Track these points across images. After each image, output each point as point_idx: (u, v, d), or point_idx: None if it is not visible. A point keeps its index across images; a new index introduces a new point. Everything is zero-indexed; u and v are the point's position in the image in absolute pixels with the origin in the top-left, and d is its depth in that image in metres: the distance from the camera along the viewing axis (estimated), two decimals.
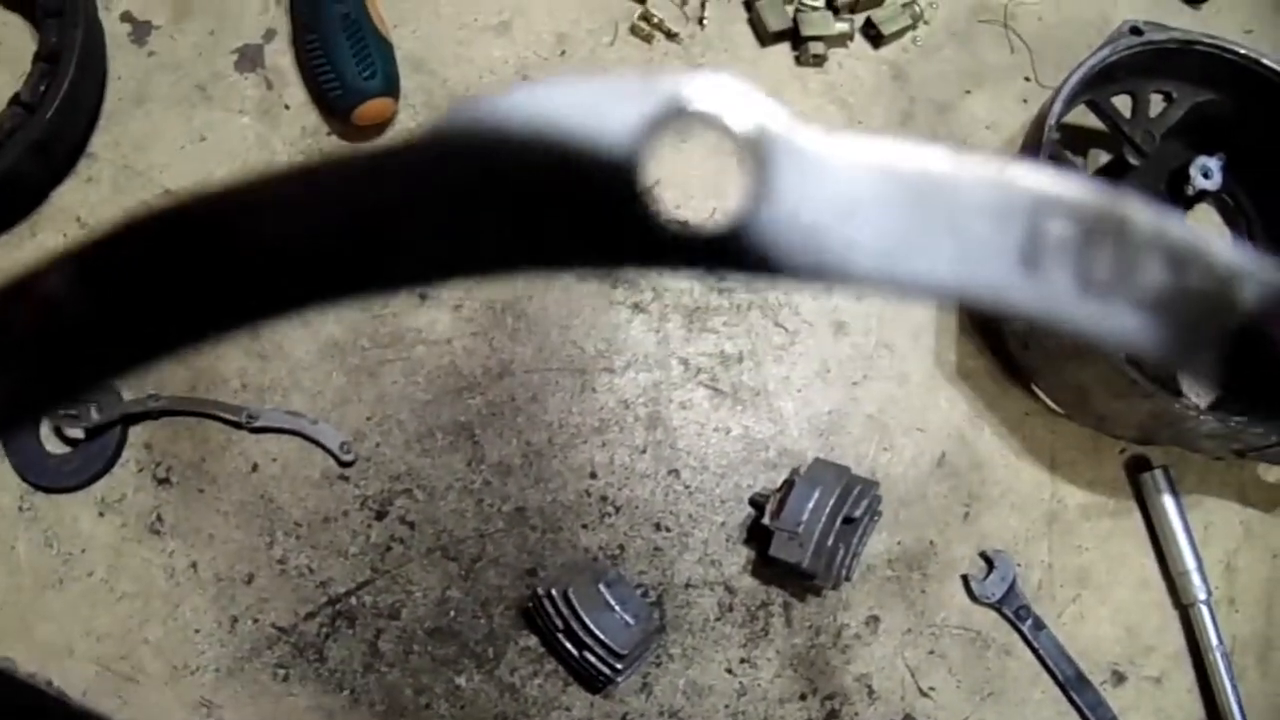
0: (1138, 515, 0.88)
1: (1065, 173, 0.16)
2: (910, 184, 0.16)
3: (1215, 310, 0.15)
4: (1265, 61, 0.87)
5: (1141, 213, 0.16)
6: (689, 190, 0.86)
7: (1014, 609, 0.84)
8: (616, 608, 0.76)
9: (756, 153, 0.16)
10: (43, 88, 0.81)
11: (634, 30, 0.91)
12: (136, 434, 0.83)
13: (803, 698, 0.81)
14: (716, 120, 0.16)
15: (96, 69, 0.88)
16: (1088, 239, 0.15)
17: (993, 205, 0.15)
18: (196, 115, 0.88)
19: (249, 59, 0.90)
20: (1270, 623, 0.89)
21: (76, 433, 0.81)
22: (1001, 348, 0.88)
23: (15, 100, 0.80)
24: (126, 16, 0.91)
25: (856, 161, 0.16)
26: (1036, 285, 0.16)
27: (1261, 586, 0.89)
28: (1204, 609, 0.86)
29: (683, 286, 0.86)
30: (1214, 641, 0.85)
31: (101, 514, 0.81)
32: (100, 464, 0.82)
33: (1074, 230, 0.15)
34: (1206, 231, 0.17)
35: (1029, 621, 0.84)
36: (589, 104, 0.17)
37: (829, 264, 0.16)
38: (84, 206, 0.86)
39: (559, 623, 0.76)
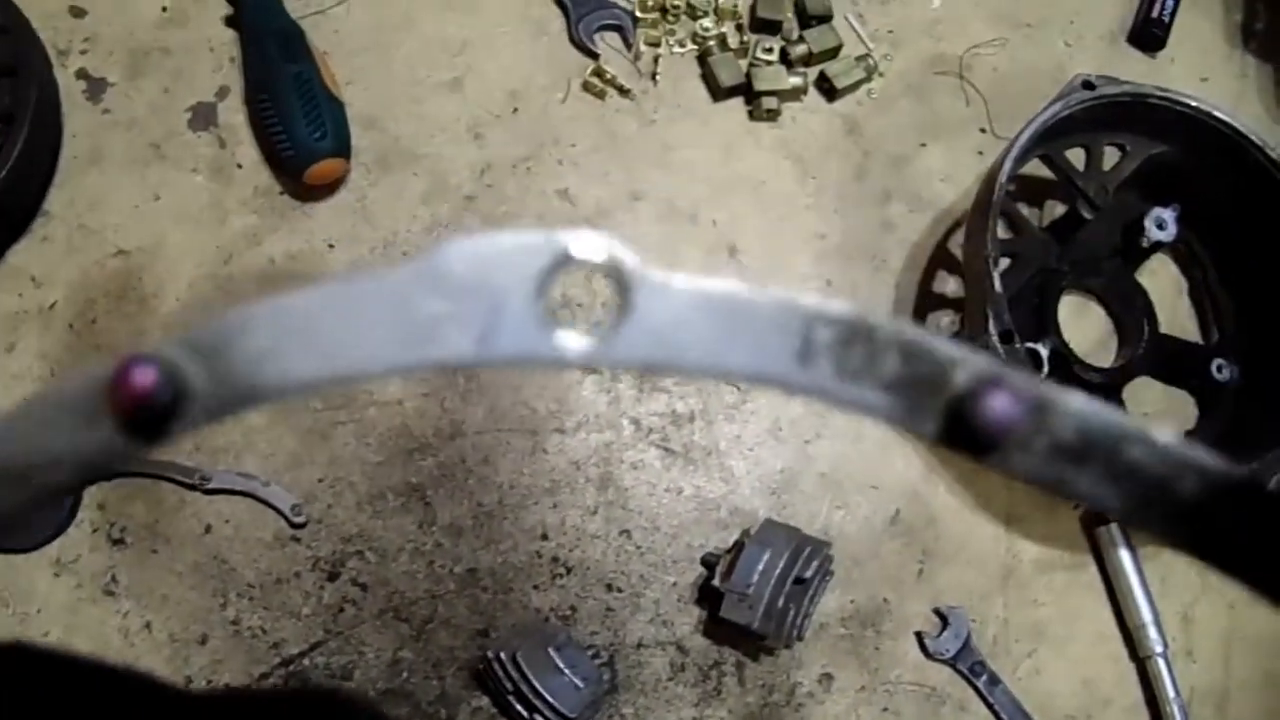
0: (1094, 569, 0.88)
1: (843, 306, 0.22)
2: (723, 304, 0.21)
3: (934, 387, 0.20)
4: (1217, 114, 0.87)
5: (884, 320, 0.21)
6: (641, 250, 0.86)
7: (969, 665, 0.84)
8: (566, 671, 0.76)
9: (620, 283, 0.21)
10: None
11: (586, 86, 0.92)
12: (91, 495, 0.83)
13: None
14: (593, 264, 0.21)
15: (52, 127, 0.88)
16: (844, 341, 0.21)
17: (779, 319, 0.21)
18: (151, 174, 0.88)
19: (203, 117, 0.90)
20: (1228, 674, 0.89)
21: None
22: None
23: None
24: (82, 74, 0.91)
25: (687, 289, 0.21)
26: (809, 374, 0.21)
27: (1219, 637, 0.89)
28: (1161, 661, 0.86)
29: None
30: (1171, 693, 0.85)
31: (57, 574, 0.81)
32: (55, 525, 0.82)
33: (834, 335, 0.21)
34: (930, 331, 0.22)
35: (984, 677, 0.84)
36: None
37: (668, 361, 0.21)
38: (39, 266, 0.86)
39: (509, 686, 0.76)
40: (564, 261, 0.20)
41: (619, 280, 0.20)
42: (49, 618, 0.81)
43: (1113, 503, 0.20)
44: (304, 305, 0.21)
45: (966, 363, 0.20)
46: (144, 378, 0.20)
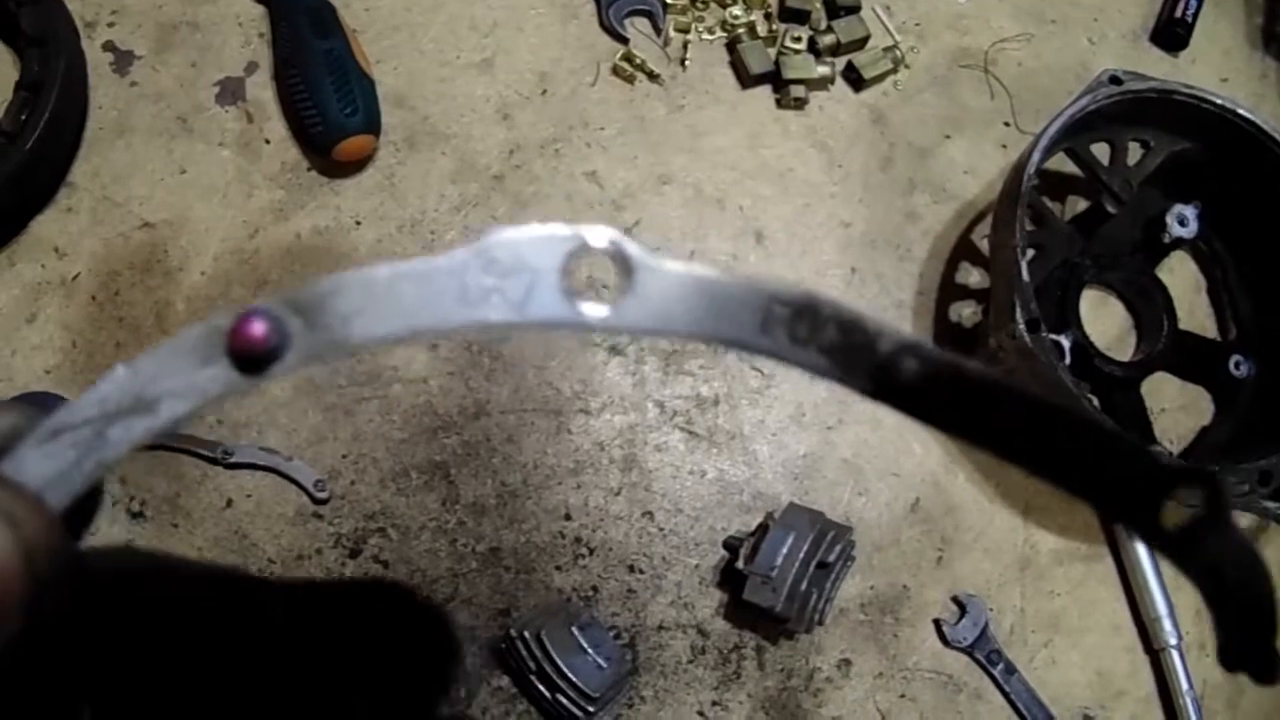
0: (1110, 560, 0.88)
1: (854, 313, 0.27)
2: (704, 284, 0.26)
3: (865, 352, 0.25)
4: (1240, 111, 0.87)
5: (826, 300, 0.26)
6: (668, 233, 0.87)
7: (986, 653, 0.84)
8: (589, 650, 0.76)
9: (625, 267, 0.26)
10: (24, 116, 0.81)
11: (616, 71, 0.92)
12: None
13: None
14: (605, 250, 0.26)
15: (78, 99, 0.88)
16: (795, 315, 0.26)
17: (745, 297, 0.26)
18: (177, 147, 0.88)
19: (230, 92, 0.90)
20: None
21: None
22: None
23: None
24: (109, 46, 0.91)
25: (677, 271, 0.26)
26: (767, 340, 0.26)
27: None
28: (1175, 654, 0.86)
29: None
30: (1185, 686, 0.86)
31: None
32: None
33: (788, 311, 0.26)
34: (865, 310, 0.27)
35: (1000, 666, 0.84)
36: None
37: (659, 327, 0.26)
38: (63, 236, 0.86)
39: (531, 664, 0.76)
40: (583, 248, 0.25)
41: (624, 264, 0.25)
42: None
43: (1019, 454, 0.25)
44: (385, 275, 0.25)
45: (889, 334, 0.25)
46: (257, 327, 0.25)
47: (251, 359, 0.25)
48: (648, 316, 0.25)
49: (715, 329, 0.25)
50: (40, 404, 0.83)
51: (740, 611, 0.81)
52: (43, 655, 0.27)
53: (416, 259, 0.25)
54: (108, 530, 0.81)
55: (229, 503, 0.82)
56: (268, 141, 0.89)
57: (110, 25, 0.91)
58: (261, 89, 0.90)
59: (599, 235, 0.25)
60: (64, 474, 0.25)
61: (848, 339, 0.25)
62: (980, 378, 0.24)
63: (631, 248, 0.26)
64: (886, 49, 0.95)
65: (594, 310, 0.25)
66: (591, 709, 0.75)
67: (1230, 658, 0.26)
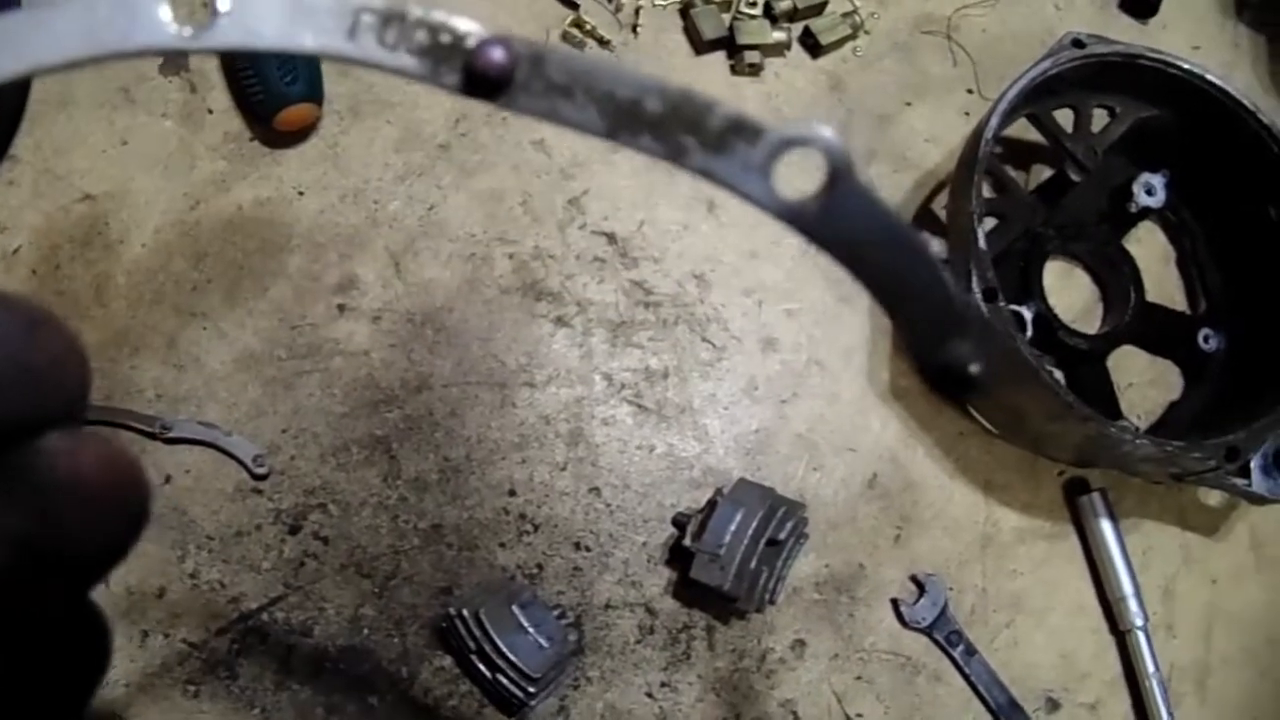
0: (1075, 539, 0.86)
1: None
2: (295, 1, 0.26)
3: (452, 51, 0.26)
4: (1209, 77, 0.85)
5: (414, 9, 0.26)
6: (617, 203, 0.85)
7: (945, 634, 0.82)
8: (530, 630, 0.74)
9: None
10: None
11: (565, 37, 0.90)
12: None
13: None
14: None
15: None
16: (383, 22, 0.26)
17: (335, 8, 0.26)
18: (119, 119, 0.86)
19: (173, 62, 0.88)
20: (1208, 649, 0.87)
21: None
22: None
23: None
24: None
25: None
26: (358, 46, 0.26)
27: (1200, 612, 0.87)
28: (1141, 635, 0.84)
29: (608, 301, 0.84)
30: (1150, 668, 0.84)
31: None
32: None
33: (375, 19, 0.26)
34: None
35: (960, 647, 0.82)
36: None
37: (250, 42, 0.26)
38: (3, 210, 0.84)
39: (471, 644, 0.74)
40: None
41: None
42: None
43: (597, 123, 0.25)
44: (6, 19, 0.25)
45: (470, 31, 0.26)
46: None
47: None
48: (237, 34, 0.26)
49: (305, 41, 0.26)
50: None
51: (690, 590, 0.79)
52: None
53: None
54: None
55: (167, 479, 0.80)
56: (210, 112, 0.87)
57: None
58: (205, 59, 0.88)
59: None
60: None
61: (433, 38, 0.26)
62: (564, 59, 0.25)
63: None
64: (845, 14, 0.92)
65: (182, 30, 0.25)
66: (533, 689, 0.73)
67: (919, 357, 0.25)
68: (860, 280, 0.26)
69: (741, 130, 0.26)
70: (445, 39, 0.26)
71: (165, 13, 0.26)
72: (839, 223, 0.26)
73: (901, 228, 0.26)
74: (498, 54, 0.25)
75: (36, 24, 0.25)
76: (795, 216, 0.26)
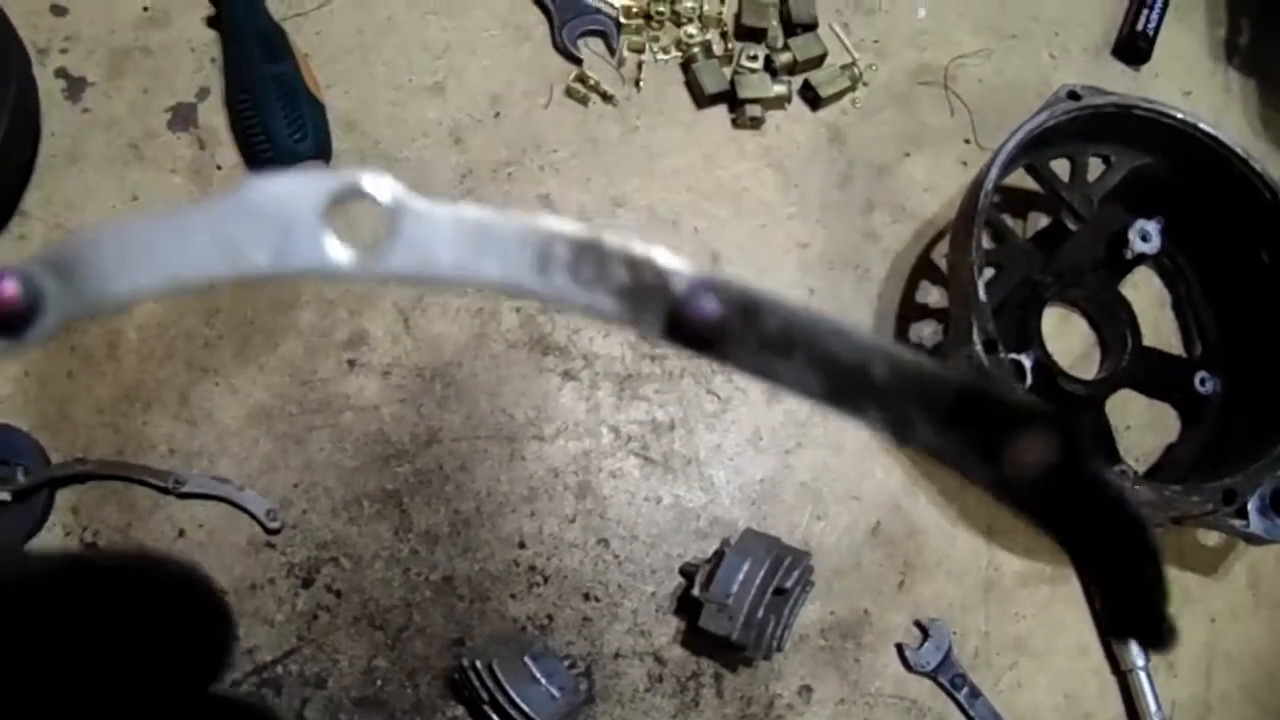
0: (1075, 582, 0.87)
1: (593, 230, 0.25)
2: (474, 225, 0.25)
3: (657, 293, 0.24)
4: (1202, 126, 0.87)
5: (610, 239, 0.25)
6: None
7: (949, 677, 0.83)
8: (542, 680, 0.75)
9: (388, 210, 0.25)
10: None
11: (569, 92, 0.91)
12: (64, 497, 0.81)
13: None
14: (365, 194, 0.25)
15: (30, 125, 0.87)
16: (577, 255, 0.25)
17: (523, 238, 0.25)
18: (129, 174, 0.87)
19: (182, 118, 0.89)
20: (1209, 687, 0.88)
21: (3, 495, 0.80)
22: None
23: None
24: (61, 72, 0.90)
25: (444, 213, 0.25)
26: (547, 282, 0.25)
27: (1200, 651, 0.89)
28: (1143, 675, 0.85)
29: (614, 354, 0.85)
30: (1153, 707, 0.85)
31: None
32: (26, 528, 0.80)
33: (568, 250, 0.25)
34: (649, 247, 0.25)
35: (965, 690, 0.83)
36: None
37: (427, 272, 0.25)
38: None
39: (484, 695, 0.75)
40: (343, 192, 0.24)
41: (389, 205, 0.24)
42: None
43: (816, 390, 0.24)
44: (142, 228, 0.25)
45: (683, 273, 0.24)
46: (7, 288, 0.24)
47: (5, 321, 0.24)
48: (412, 261, 0.24)
49: (488, 272, 0.24)
50: None
51: (698, 639, 0.80)
52: None
53: (178, 210, 0.24)
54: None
55: (181, 533, 0.81)
56: (219, 168, 0.88)
57: (63, 51, 0.90)
58: (214, 114, 0.89)
59: (357, 177, 0.24)
60: None
61: (637, 279, 0.24)
62: (781, 312, 0.24)
63: (391, 188, 0.25)
64: (844, 67, 0.94)
65: (352, 256, 0.24)
66: None
67: (1116, 625, 0.24)
68: (1067, 547, 0.25)
69: (997, 428, 0.23)
70: (649, 279, 0.24)
71: (325, 240, 0.25)
72: (1068, 503, 0.24)
73: (1139, 519, 0.24)
74: (709, 305, 0.23)
75: (180, 234, 0.25)
76: (1022, 498, 0.24)
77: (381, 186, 0.24)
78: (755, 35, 0.94)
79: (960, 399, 0.23)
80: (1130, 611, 0.25)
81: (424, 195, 0.24)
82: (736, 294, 0.23)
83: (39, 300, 0.24)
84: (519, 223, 0.24)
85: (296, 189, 0.24)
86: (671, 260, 0.24)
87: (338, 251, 0.24)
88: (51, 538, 0.81)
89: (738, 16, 0.94)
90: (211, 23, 0.91)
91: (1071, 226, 0.88)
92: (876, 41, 0.97)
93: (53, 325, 0.25)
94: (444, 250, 0.24)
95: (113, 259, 0.25)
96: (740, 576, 0.76)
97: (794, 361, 0.24)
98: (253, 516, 0.81)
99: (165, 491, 0.81)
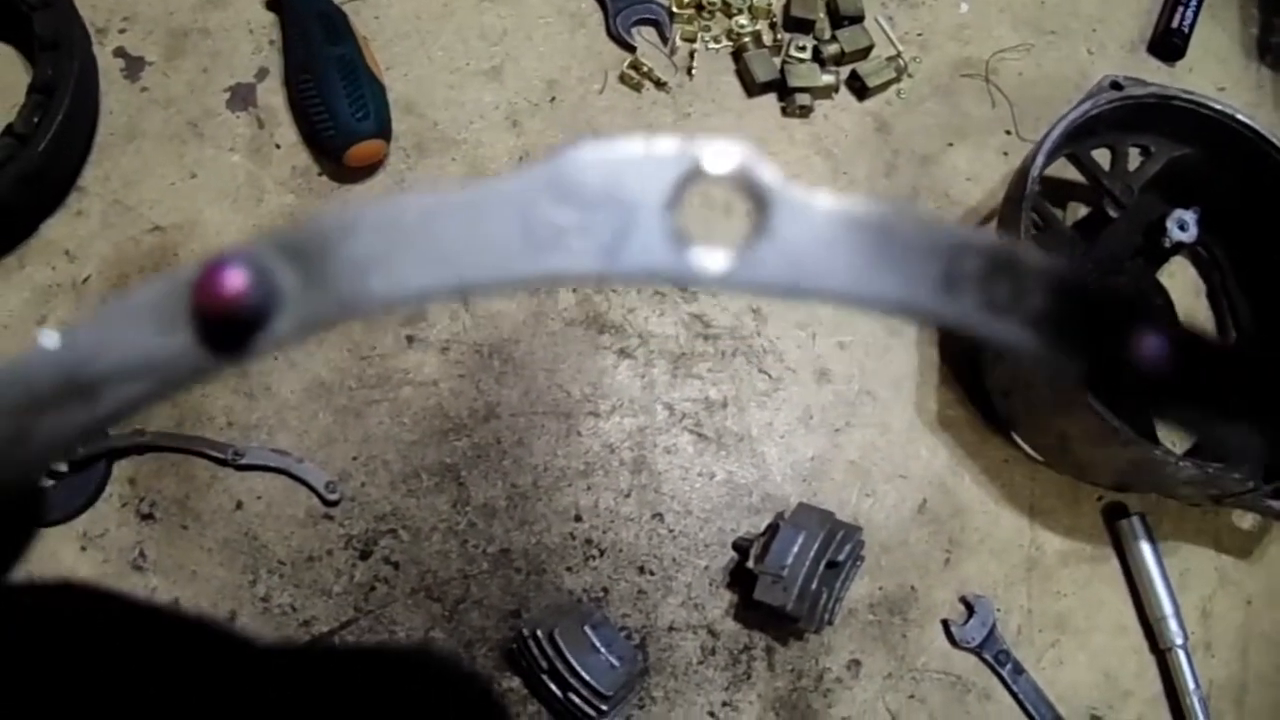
0: (1115, 561, 0.89)
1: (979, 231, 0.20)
2: (867, 227, 0.20)
3: (1084, 327, 0.19)
4: (1239, 117, 0.89)
5: (1033, 254, 0.20)
6: None
7: (994, 653, 0.85)
8: (602, 649, 0.76)
9: (758, 201, 0.19)
10: (36, 119, 0.81)
11: (623, 79, 0.93)
12: (121, 469, 0.82)
13: None
14: (730, 178, 0.20)
15: (90, 103, 0.88)
16: (990, 272, 0.19)
17: (925, 246, 0.19)
18: (187, 152, 0.89)
19: (241, 97, 0.90)
20: (1245, 667, 0.90)
21: (61, 465, 0.81)
22: (982, 397, 0.90)
23: (8, 131, 0.81)
24: (120, 52, 0.91)
25: (830, 209, 0.20)
26: (953, 305, 0.20)
27: (1237, 631, 0.90)
28: (1181, 654, 0.87)
29: (669, 333, 0.87)
30: (1191, 686, 0.86)
31: (84, 548, 0.81)
32: (84, 498, 0.81)
33: (980, 265, 0.20)
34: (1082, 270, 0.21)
35: (1009, 666, 0.85)
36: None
37: (806, 286, 0.20)
38: (72, 240, 0.86)
39: (544, 664, 0.76)
40: (697, 174, 0.19)
41: (756, 197, 0.19)
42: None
43: (1256, 458, 0.21)
44: (417, 208, 0.18)
45: (1120, 300, 0.18)
46: (233, 280, 0.17)
47: (226, 325, 0.17)
48: (786, 269, 0.19)
49: (880, 288, 0.18)
50: None
51: (750, 612, 0.81)
52: None
53: (468, 183, 0.19)
54: (117, 533, 0.81)
55: (239, 504, 0.82)
56: (278, 146, 0.89)
57: (121, 31, 0.92)
58: (272, 95, 0.91)
59: (721, 155, 0.19)
60: None
61: (1063, 308, 0.19)
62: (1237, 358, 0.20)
63: (767, 174, 0.20)
64: (890, 58, 0.96)
65: (715, 261, 0.19)
66: (605, 708, 0.75)
67: None
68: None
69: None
70: (1077, 308, 0.18)
71: (672, 237, 0.19)
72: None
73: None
74: (1155, 344, 0.18)
75: (472, 218, 0.19)
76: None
77: (747, 167, 0.19)
78: (804, 26, 0.96)
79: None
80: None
81: (798, 184, 0.19)
82: (1182, 332, 0.18)
83: (273, 298, 0.18)
84: (926, 226, 0.19)
85: (633, 164, 0.19)
86: (1105, 289, 0.18)
87: (691, 253, 0.19)
88: (108, 508, 0.82)
89: (787, 8, 0.96)
90: (270, 5, 0.92)
91: (1113, 214, 0.90)
92: (920, 35, 1.00)
93: (289, 332, 0.18)
94: (825, 258, 0.19)
95: (377, 248, 0.18)
96: (795, 549, 0.78)
97: (1239, 431, 0.20)
98: (311, 489, 0.82)
99: (224, 463, 0.82)
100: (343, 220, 0.18)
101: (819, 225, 0.19)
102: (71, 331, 0.18)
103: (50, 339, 0.18)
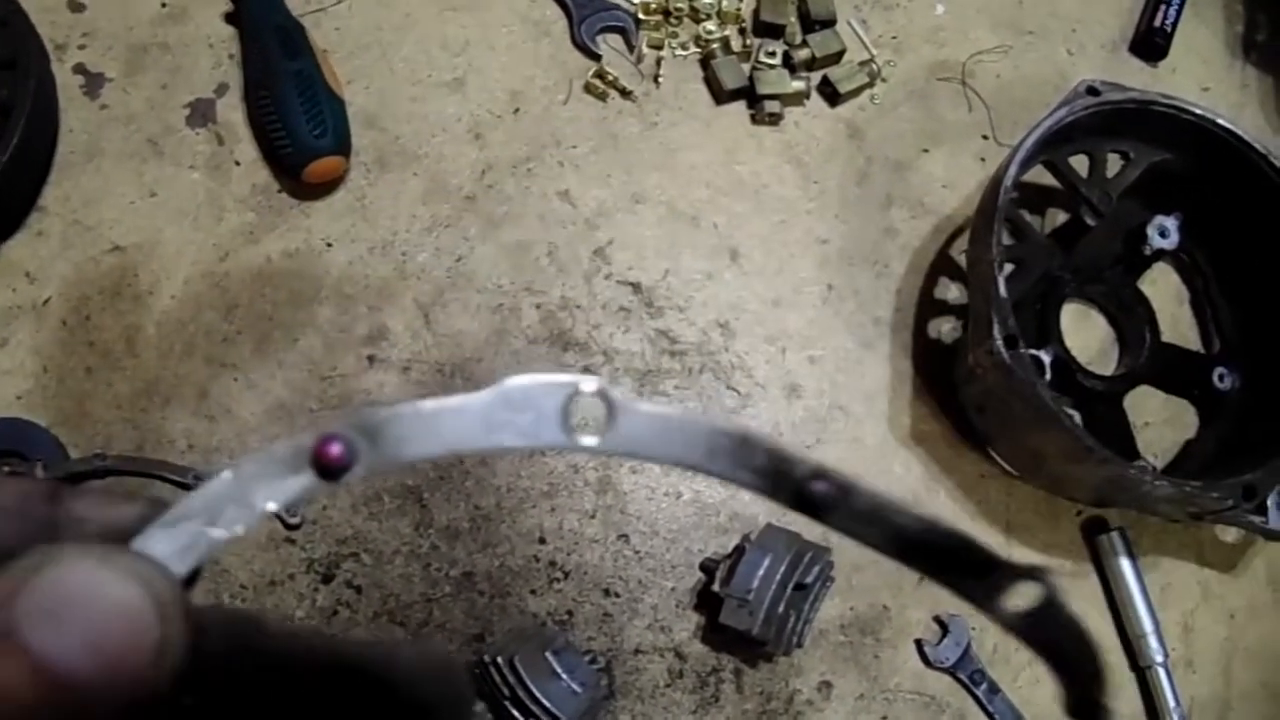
0: (1094, 577, 0.87)
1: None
2: (670, 422, 0.31)
3: (786, 475, 0.31)
4: (1220, 121, 0.87)
5: (759, 435, 0.32)
6: (642, 253, 0.86)
7: (968, 673, 0.83)
8: (563, 675, 0.75)
9: (609, 406, 0.31)
10: None
11: (588, 88, 0.91)
12: None
13: None
14: (594, 393, 0.31)
15: (49, 122, 0.87)
16: (737, 445, 0.32)
17: (698, 433, 0.31)
18: (147, 170, 0.88)
19: (200, 113, 0.89)
20: (1228, 684, 0.88)
21: None
22: (956, 411, 0.88)
23: None
24: (79, 69, 0.90)
25: (650, 411, 0.32)
26: (717, 464, 0.31)
27: (1220, 647, 0.89)
28: (1161, 671, 0.85)
29: (634, 350, 0.86)
30: (1171, 704, 0.85)
31: None
32: None
33: (730, 442, 0.32)
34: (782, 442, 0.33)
35: (984, 686, 0.83)
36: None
37: (637, 452, 0.32)
38: (33, 261, 0.85)
39: (505, 690, 0.75)
40: (578, 392, 0.31)
41: (609, 406, 0.31)
42: None
43: (888, 548, 0.31)
44: (430, 409, 0.31)
45: (804, 462, 0.31)
46: (335, 448, 0.31)
47: (329, 470, 0.31)
48: (626, 444, 0.32)
49: (676, 455, 0.32)
50: (13, 431, 0.82)
51: (718, 634, 0.80)
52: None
53: (454, 397, 0.31)
54: None
55: None
56: (238, 163, 0.88)
57: (81, 48, 0.91)
58: (232, 110, 0.89)
59: (589, 383, 0.32)
60: (180, 553, 0.30)
61: (774, 464, 0.31)
62: (871, 501, 0.31)
63: (614, 393, 0.32)
64: (862, 63, 0.94)
65: (587, 439, 0.32)
66: None
67: (1072, 710, 0.32)
68: (1044, 658, 0.31)
69: (1005, 579, 0.30)
70: (780, 464, 0.31)
71: (565, 427, 0.32)
72: (1047, 631, 0.31)
73: (1089, 640, 0.31)
74: (821, 485, 0.31)
75: (457, 415, 0.31)
76: (1013, 626, 0.31)
77: (607, 390, 0.32)
78: (773, 31, 0.94)
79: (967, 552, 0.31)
80: (1081, 701, 0.31)
81: (633, 397, 0.31)
82: (839, 477, 0.31)
83: (354, 455, 0.31)
84: (693, 421, 0.31)
85: (542, 387, 0.32)
86: (796, 452, 0.31)
87: (573, 435, 0.32)
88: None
89: (756, 12, 0.94)
90: (230, 19, 0.91)
91: (1090, 222, 0.88)
92: (894, 38, 0.97)
93: (360, 474, 0.31)
94: (648, 438, 0.31)
95: (408, 430, 0.31)
96: (761, 572, 0.76)
97: (873, 529, 0.31)
98: (273, 512, 0.81)
99: (185, 487, 0.81)
100: (391, 413, 0.31)
101: (642, 420, 0.31)
102: (239, 468, 0.30)
103: (227, 474, 0.30)
